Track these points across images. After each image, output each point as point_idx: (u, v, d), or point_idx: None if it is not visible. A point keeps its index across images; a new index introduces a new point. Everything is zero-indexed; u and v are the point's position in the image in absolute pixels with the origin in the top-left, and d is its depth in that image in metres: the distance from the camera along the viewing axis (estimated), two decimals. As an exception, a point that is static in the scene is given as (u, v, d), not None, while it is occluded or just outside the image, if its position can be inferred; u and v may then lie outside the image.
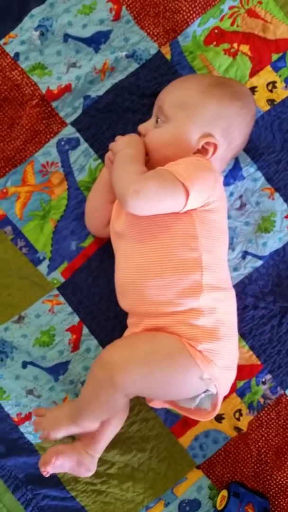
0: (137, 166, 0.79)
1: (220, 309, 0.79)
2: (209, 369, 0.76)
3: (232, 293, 0.84)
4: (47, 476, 0.86)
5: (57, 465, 0.85)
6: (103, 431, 0.87)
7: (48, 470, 0.85)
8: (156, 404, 0.87)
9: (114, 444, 0.91)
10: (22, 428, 0.96)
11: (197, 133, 0.80)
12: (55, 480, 0.97)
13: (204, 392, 0.78)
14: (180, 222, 0.78)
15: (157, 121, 0.83)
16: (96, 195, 0.90)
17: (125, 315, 0.91)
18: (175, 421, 0.95)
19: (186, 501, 0.96)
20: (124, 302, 0.84)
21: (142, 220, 0.79)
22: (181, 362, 0.75)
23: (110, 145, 0.85)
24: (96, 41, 0.91)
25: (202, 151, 0.81)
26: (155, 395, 0.85)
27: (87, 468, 0.88)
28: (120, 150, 0.81)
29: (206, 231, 0.78)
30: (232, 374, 0.82)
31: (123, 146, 0.82)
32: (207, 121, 0.80)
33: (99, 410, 0.81)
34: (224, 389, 0.80)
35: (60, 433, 0.85)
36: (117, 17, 0.90)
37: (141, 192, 0.73)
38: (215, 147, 0.80)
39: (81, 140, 0.92)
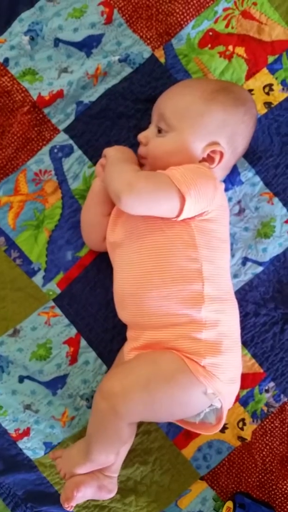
0: (131, 165, 0.78)
1: (223, 321, 0.77)
2: (213, 384, 0.74)
3: (235, 304, 0.82)
4: (70, 509, 0.84)
5: (79, 497, 0.82)
6: None
7: (72, 505, 0.82)
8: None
9: (115, 458, 0.89)
10: (20, 444, 0.94)
11: (203, 142, 0.78)
12: (56, 497, 0.94)
13: (209, 406, 0.77)
14: (179, 232, 0.76)
15: (159, 130, 0.81)
16: (90, 210, 0.87)
17: (123, 325, 0.89)
18: (177, 432, 0.93)
19: (191, 513, 0.95)
20: (124, 314, 0.82)
21: (140, 230, 0.78)
22: (183, 382, 0.73)
23: (104, 151, 0.84)
24: (88, 45, 0.88)
25: (208, 159, 0.79)
26: (161, 418, 0.83)
27: (108, 490, 0.86)
28: (112, 155, 0.81)
29: (205, 241, 0.77)
30: (236, 387, 0.81)
31: (115, 152, 0.81)
32: (213, 129, 0.78)
33: (107, 442, 0.79)
34: (229, 403, 0.79)
35: (78, 472, 0.82)
36: (108, 21, 0.88)
37: (134, 187, 0.72)
38: (221, 155, 0.79)
39: (75, 147, 0.90)
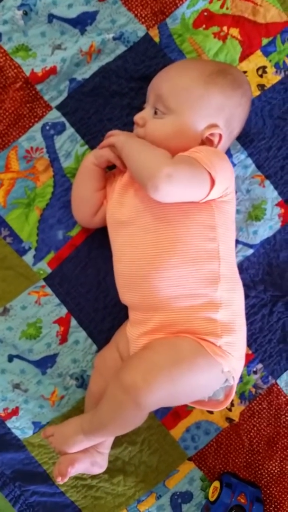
0: (161, 150, 0.75)
1: (235, 300, 0.78)
2: (228, 362, 0.75)
3: (241, 283, 0.83)
4: (62, 483, 0.85)
5: (72, 473, 0.82)
6: None
7: (64, 480, 0.82)
8: None
9: (104, 437, 0.90)
10: (9, 423, 0.94)
11: (202, 124, 0.78)
12: (44, 476, 0.94)
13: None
14: (200, 212, 0.76)
15: (155, 111, 0.80)
16: (82, 185, 0.86)
17: (114, 305, 0.89)
18: (166, 412, 0.93)
19: (178, 493, 0.95)
20: (131, 296, 0.80)
21: (156, 209, 0.76)
22: (204, 365, 0.74)
23: (110, 139, 0.81)
24: (82, 22, 0.87)
25: (207, 141, 0.79)
26: (180, 402, 0.84)
27: (100, 466, 0.86)
28: (126, 140, 0.78)
29: (223, 222, 0.77)
30: (243, 363, 0.82)
31: (127, 136, 0.79)
32: (212, 112, 0.78)
33: (121, 428, 0.79)
34: (237, 379, 0.80)
35: (72, 450, 0.82)
36: (103, -2, 0.87)
37: (174, 177, 0.70)
38: (220, 137, 0.79)
39: (67, 124, 0.89)
